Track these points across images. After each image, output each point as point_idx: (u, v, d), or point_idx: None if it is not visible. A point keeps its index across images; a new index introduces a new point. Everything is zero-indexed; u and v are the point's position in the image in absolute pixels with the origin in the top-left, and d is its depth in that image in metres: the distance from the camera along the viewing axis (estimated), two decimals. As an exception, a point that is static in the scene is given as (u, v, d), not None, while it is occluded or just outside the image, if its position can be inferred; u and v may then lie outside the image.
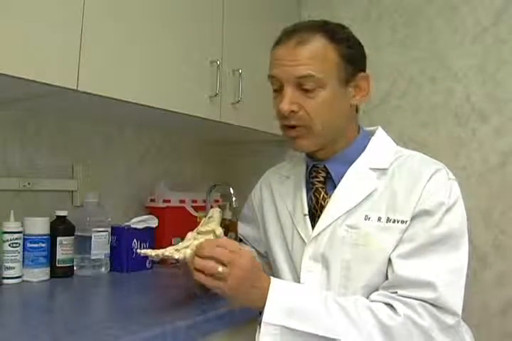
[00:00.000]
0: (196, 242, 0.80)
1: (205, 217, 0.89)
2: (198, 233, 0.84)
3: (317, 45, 0.87)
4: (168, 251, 0.79)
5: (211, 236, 0.83)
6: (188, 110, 1.33)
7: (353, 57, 0.90)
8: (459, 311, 0.80)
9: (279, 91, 0.91)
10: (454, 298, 0.79)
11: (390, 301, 0.79)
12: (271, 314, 0.77)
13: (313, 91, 0.87)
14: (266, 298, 0.77)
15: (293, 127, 0.90)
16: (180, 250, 0.79)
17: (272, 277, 0.82)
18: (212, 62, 1.39)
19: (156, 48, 1.23)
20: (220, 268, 0.75)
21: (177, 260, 0.79)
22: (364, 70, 0.93)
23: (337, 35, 0.89)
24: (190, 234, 0.84)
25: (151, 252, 0.80)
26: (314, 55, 0.86)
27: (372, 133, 0.98)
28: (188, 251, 0.78)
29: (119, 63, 1.12)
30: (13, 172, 1.28)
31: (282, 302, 0.77)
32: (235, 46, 1.50)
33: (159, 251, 0.80)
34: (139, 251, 0.81)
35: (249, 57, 1.53)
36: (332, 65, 0.88)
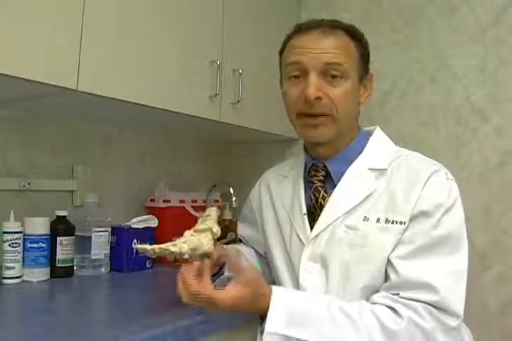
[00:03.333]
0: (193, 238, 0.80)
1: (203, 215, 0.89)
2: (195, 231, 0.84)
3: (342, 38, 0.89)
4: (165, 244, 0.79)
5: (208, 234, 0.83)
6: (188, 110, 1.33)
7: (366, 57, 0.93)
8: (461, 313, 0.79)
9: (298, 79, 0.89)
10: (456, 299, 0.79)
11: (393, 304, 0.78)
12: (274, 323, 0.75)
13: (338, 81, 0.88)
14: (268, 306, 0.76)
15: (315, 116, 0.88)
16: (176, 245, 0.79)
17: (273, 286, 0.81)
18: (212, 62, 1.39)
19: (156, 48, 1.23)
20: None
21: (172, 253, 0.78)
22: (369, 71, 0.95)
23: (355, 33, 0.92)
24: (187, 232, 0.84)
25: (147, 247, 0.79)
26: (340, 47, 0.88)
27: (370, 133, 0.98)
28: (185, 246, 0.78)
29: (119, 63, 1.12)
30: (13, 172, 1.28)
31: (285, 311, 0.76)
32: (235, 46, 1.49)
33: (155, 245, 0.79)
34: (135, 246, 0.80)
35: (249, 57, 1.52)
36: (354, 60, 0.90)
